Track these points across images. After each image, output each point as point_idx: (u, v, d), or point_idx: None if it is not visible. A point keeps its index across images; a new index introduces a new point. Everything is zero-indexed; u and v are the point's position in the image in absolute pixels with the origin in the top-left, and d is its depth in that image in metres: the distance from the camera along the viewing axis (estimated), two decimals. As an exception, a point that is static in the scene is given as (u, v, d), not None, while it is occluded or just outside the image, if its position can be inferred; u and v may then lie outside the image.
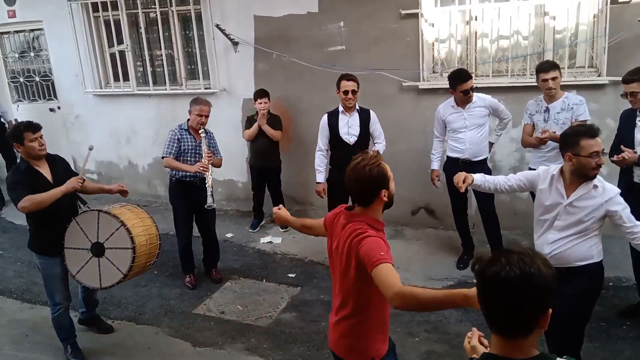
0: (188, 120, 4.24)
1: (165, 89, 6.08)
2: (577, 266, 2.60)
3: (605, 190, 2.52)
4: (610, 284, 3.93)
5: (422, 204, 5.29)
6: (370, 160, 1.98)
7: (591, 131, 2.52)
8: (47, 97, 7.01)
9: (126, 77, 6.28)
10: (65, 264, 3.29)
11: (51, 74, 6.81)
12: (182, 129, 4.22)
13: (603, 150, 2.51)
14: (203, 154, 4.10)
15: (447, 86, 4.86)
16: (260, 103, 5.10)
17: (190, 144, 4.19)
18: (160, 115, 6.18)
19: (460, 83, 4.03)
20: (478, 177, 2.81)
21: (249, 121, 5.27)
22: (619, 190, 2.56)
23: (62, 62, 6.53)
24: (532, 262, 1.21)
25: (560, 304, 2.58)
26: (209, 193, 4.09)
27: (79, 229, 3.22)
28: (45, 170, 3.24)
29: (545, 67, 3.82)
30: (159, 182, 6.46)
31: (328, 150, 4.44)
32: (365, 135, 4.33)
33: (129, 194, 3.63)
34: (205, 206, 4.08)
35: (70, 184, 3.14)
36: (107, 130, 6.57)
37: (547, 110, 3.90)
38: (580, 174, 2.52)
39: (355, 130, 4.30)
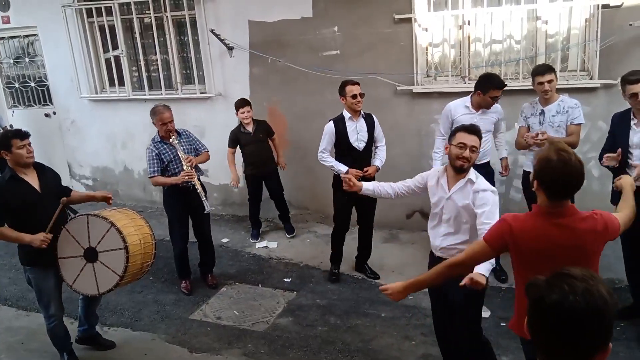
0: (158, 131, 4.20)
1: (161, 94, 6.09)
2: None
3: (478, 185, 2.71)
4: (604, 285, 3.95)
5: (417, 207, 5.31)
6: (573, 152, 1.97)
7: (469, 127, 2.76)
8: (42, 103, 7.00)
9: (121, 82, 6.28)
10: (61, 275, 3.25)
11: (46, 79, 6.80)
12: (156, 142, 4.16)
13: (473, 147, 2.67)
14: (183, 162, 4.07)
15: (442, 90, 4.93)
16: (243, 112, 5.01)
17: (170, 153, 4.13)
18: (155, 120, 6.18)
19: (494, 89, 3.94)
20: (369, 185, 2.97)
21: (232, 138, 5.12)
22: (493, 189, 2.72)
23: (57, 67, 6.53)
24: (599, 292, 1.09)
25: (452, 293, 2.72)
26: (203, 199, 4.10)
27: (70, 237, 3.19)
28: (32, 179, 3.20)
29: (541, 70, 3.85)
30: (155, 187, 6.45)
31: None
32: (371, 140, 4.28)
33: (125, 199, 3.63)
34: (205, 212, 4.15)
35: (38, 239, 3.08)
36: (103, 135, 6.57)
37: (542, 113, 3.93)
38: (452, 165, 2.74)
39: (364, 135, 4.21)
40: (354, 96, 4.11)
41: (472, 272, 2.35)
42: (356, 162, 4.20)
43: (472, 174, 2.75)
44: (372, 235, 4.51)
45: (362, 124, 4.24)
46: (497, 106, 4.16)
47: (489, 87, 3.96)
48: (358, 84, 4.19)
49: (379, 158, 4.31)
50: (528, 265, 2.07)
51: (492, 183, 4.33)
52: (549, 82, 3.79)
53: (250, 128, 5.08)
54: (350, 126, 4.20)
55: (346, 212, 4.38)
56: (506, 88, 4.64)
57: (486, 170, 4.25)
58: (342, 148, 4.23)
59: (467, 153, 2.66)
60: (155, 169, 4.09)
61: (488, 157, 4.27)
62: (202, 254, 4.55)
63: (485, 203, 2.64)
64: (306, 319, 3.91)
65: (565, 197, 2.01)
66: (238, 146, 5.17)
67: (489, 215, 2.61)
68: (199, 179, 4.20)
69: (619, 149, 3.39)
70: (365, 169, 4.19)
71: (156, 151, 4.12)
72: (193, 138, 4.36)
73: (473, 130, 2.73)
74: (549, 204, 2.00)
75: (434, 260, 2.95)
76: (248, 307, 4.14)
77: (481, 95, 4.01)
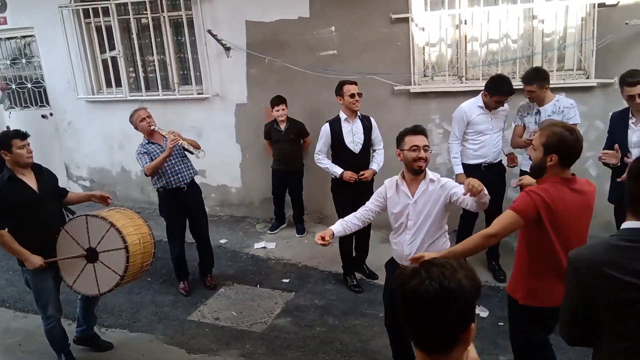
0: (144, 136, 4.22)
1: (158, 95, 6.08)
2: None
3: (441, 181, 2.82)
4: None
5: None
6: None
7: (414, 129, 2.82)
8: (39, 104, 6.98)
9: (118, 83, 6.26)
10: (60, 276, 3.27)
11: (43, 80, 6.78)
12: (144, 145, 4.17)
13: (425, 146, 2.75)
14: (167, 137, 4.06)
15: (439, 89, 4.93)
16: (278, 110, 5.10)
17: (158, 152, 4.13)
18: (153, 121, 6.17)
19: (501, 95, 3.92)
20: (339, 227, 2.97)
21: (266, 131, 5.33)
22: (448, 179, 2.87)
23: (54, 68, 6.51)
24: (453, 276, 1.16)
25: None
26: (191, 150, 4.13)
27: (70, 238, 3.20)
28: (30, 180, 3.22)
29: (523, 78, 3.91)
30: (152, 188, 6.41)
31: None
32: (368, 142, 4.22)
33: (123, 200, 3.63)
34: (197, 156, 4.18)
35: (35, 263, 3.11)
36: (100, 136, 6.56)
37: (538, 112, 3.94)
38: (410, 169, 2.80)
39: (360, 137, 4.15)
40: (352, 95, 4.07)
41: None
42: (352, 164, 4.15)
43: (429, 173, 2.84)
44: (369, 235, 4.50)
45: (358, 125, 4.19)
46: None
47: (495, 92, 3.94)
48: (355, 83, 4.17)
49: (377, 162, 4.26)
50: (559, 228, 2.31)
51: (504, 182, 4.33)
52: (530, 92, 3.83)
53: (282, 126, 5.19)
54: (345, 127, 4.16)
55: (349, 213, 4.24)
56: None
57: (499, 170, 4.25)
58: (338, 150, 4.19)
59: (422, 153, 2.72)
60: (146, 160, 4.08)
61: (501, 156, 4.27)
62: (200, 255, 4.54)
63: (454, 185, 2.79)
64: (304, 320, 3.91)
65: (572, 164, 2.35)
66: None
67: (457, 188, 2.76)
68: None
69: (616, 145, 3.39)
70: (361, 173, 4.13)
71: (144, 150, 4.14)
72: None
73: (419, 130, 2.80)
74: (563, 173, 2.33)
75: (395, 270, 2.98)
76: (246, 307, 4.13)
77: (487, 97, 4.01)
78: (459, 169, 4.20)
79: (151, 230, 3.48)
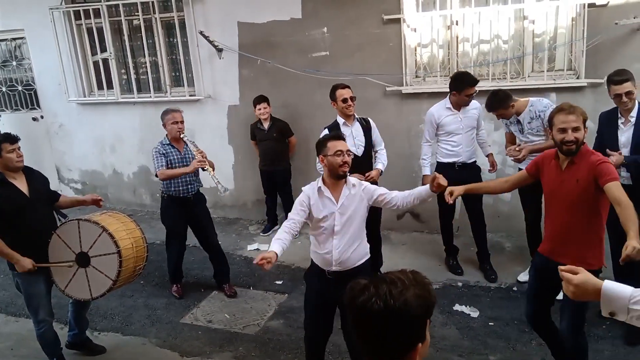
0: (167, 135, 4.16)
1: (150, 97, 6.06)
2: (359, 265, 2.89)
3: (362, 185, 2.90)
4: (593, 283, 3.97)
5: (407, 208, 5.32)
6: None
7: (335, 135, 2.95)
8: (30, 107, 6.94)
9: (110, 85, 6.24)
10: (52, 280, 3.25)
11: (34, 83, 6.74)
12: (164, 144, 4.11)
13: (348, 151, 2.81)
14: (195, 154, 4.02)
15: (430, 90, 4.94)
16: (260, 109, 5.13)
17: (176, 156, 4.09)
18: (144, 123, 6.15)
19: (468, 87, 3.97)
20: (279, 249, 2.68)
21: (251, 131, 5.39)
22: (366, 183, 2.95)
23: (45, 70, 6.48)
24: (401, 295, 1.15)
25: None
26: (215, 182, 3.98)
27: (61, 242, 3.18)
28: (21, 183, 3.20)
29: (486, 106, 3.97)
30: (145, 190, 6.43)
31: None
32: (369, 144, 4.16)
33: (115, 202, 3.61)
34: (221, 193, 4.10)
35: (25, 266, 3.08)
36: (92, 138, 6.53)
37: (518, 122, 3.96)
38: (334, 175, 2.81)
39: (361, 140, 4.09)
40: (345, 100, 4.04)
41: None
42: (356, 167, 3.93)
43: (349, 177, 2.88)
44: (380, 243, 4.39)
45: (357, 128, 4.13)
46: (474, 102, 4.18)
47: (462, 87, 4.00)
48: (349, 87, 4.13)
49: (381, 161, 4.20)
50: None
51: (480, 181, 4.33)
52: (499, 115, 3.95)
53: (266, 125, 5.22)
54: (345, 131, 4.04)
55: None
56: (494, 88, 4.67)
57: (474, 169, 4.27)
58: None
59: (346, 157, 2.78)
60: (162, 164, 4.00)
61: (475, 155, 4.29)
62: (215, 265, 4.41)
63: (375, 189, 2.90)
64: (297, 321, 3.89)
65: None
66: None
67: (382, 189, 2.90)
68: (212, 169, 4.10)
69: (608, 150, 3.40)
70: (367, 174, 4.02)
71: (163, 151, 4.07)
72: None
73: (340, 136, 2.91)
74: None
75: (326, 279, 2.86)
76: (239, 310, 4.13)
77: (457, 95, 4.06)
78: (426, 170, 4.33)
79: (144, 234, 3.46)
